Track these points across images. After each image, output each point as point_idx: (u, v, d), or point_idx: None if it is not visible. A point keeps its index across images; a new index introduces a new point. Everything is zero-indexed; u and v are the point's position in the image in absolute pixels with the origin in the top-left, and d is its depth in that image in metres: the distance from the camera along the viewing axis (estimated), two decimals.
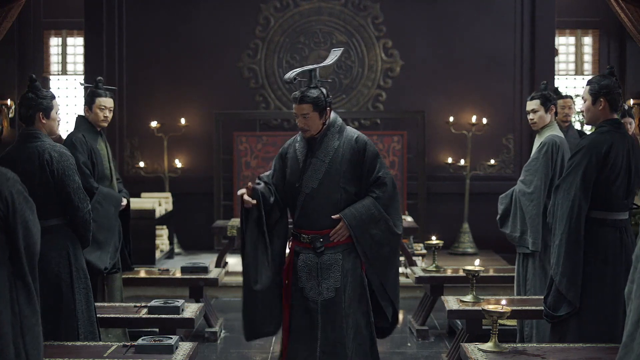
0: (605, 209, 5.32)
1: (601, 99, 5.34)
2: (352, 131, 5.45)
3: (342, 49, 5.81)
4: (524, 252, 6.74)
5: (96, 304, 6.42)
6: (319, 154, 5.34)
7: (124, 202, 6.93)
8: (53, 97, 5.72)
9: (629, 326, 3.73)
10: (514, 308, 6.15)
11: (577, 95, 9.62)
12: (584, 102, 5.44)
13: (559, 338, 5.34)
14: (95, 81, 7.07)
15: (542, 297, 5.62)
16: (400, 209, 5.55)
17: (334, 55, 5.61)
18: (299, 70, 5.42)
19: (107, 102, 6.97)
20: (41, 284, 5.14)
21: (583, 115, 5.60)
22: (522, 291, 6.83)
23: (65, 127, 11.78)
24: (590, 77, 5.63)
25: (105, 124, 7.01)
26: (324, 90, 5.41)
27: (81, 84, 7.57)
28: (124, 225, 7.03)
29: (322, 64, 5.53)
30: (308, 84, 5.39)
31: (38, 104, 5.62)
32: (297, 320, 5.34)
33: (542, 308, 5.52)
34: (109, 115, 6.99)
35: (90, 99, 6.97)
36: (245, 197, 5.28)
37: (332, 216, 5.27)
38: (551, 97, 7.01)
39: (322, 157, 5.33)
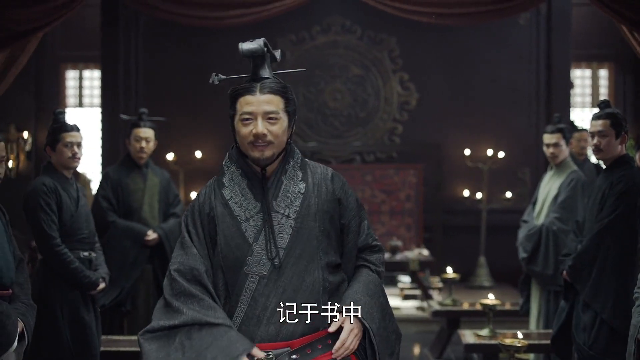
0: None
1: (624, 133, 5.29)
2: (318, 166, 3.49)
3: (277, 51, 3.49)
4: (556, 289, 6.66)
5: (111, 337, 6.43)
6: (279, 203, 3.31)
7: (151, 236, 6.88)
8: (64, 129, 5.59)
9: None
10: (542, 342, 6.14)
11: None
12: (604, 138, 5.30)
13: None
14: (138, 113, 7.14)
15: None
16: None
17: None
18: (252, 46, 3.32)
19: (143, 132, 6.98)
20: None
21: (596, 150, 5.43)
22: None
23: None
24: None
25: (143, 155, 7.00)
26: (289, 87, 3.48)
27: (122, 117, 7.58)
28: (162, 262, 6.99)
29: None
30: (257, 70, 3.37)
31: (47, 136, 5.63)
32: None
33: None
34: (146, 146, 6.99)
35: (128, 131, 7.05)
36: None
37: (329, 329, 3.22)
38: (569, 130, 7.03)
39: (283, 208, 3.30)
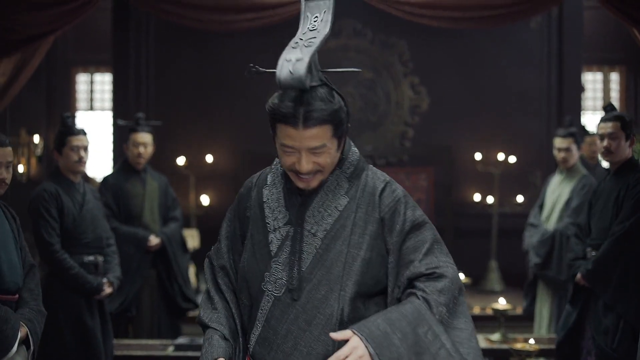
0: None
1: (632, 136, 5.29)
2: (376, 176, 2.94)
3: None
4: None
5: (122, 341, 6.43)
6: (308, 219, 2.85)
7: (153, 241, 6.87)
8: (70, 133, 5.57)
9: None
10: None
11: None
12: (615, 140, 5.30)
13: None
14: (134, 118, 7.09)
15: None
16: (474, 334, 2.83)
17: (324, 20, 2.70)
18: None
19: (141, 137, 6.94)
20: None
21: (607, 152, 5.42)
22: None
23: (92, 165, 11.83)
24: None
25: (141, 160, 6.95)
26: (337, 92, 2.81)
27: (119, 122, 7.54)
28: (166, 267, 6.98)
29: (318, 42, 2.66)
30: (302, 82, 2.63)
31: (54, 139, 5.63)
32: None
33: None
34: (144, 151, 6.95)
35: (127, 136, 7.01)
36: None
37: (332, 334, 2.65)
38: (580, 134, 7.04)
39: (311, 225, 2.84)
